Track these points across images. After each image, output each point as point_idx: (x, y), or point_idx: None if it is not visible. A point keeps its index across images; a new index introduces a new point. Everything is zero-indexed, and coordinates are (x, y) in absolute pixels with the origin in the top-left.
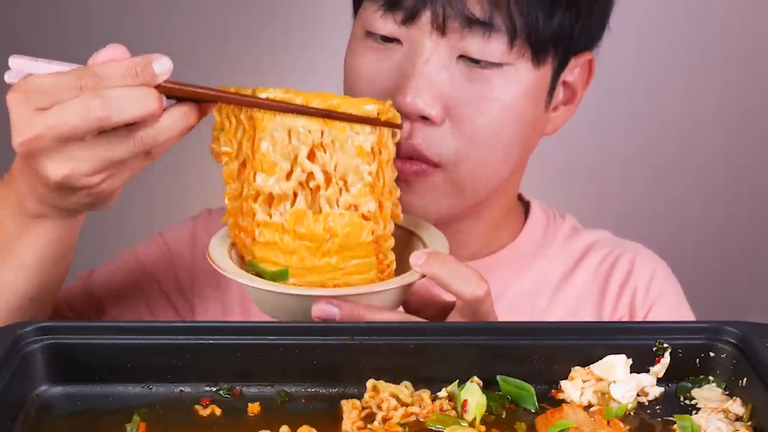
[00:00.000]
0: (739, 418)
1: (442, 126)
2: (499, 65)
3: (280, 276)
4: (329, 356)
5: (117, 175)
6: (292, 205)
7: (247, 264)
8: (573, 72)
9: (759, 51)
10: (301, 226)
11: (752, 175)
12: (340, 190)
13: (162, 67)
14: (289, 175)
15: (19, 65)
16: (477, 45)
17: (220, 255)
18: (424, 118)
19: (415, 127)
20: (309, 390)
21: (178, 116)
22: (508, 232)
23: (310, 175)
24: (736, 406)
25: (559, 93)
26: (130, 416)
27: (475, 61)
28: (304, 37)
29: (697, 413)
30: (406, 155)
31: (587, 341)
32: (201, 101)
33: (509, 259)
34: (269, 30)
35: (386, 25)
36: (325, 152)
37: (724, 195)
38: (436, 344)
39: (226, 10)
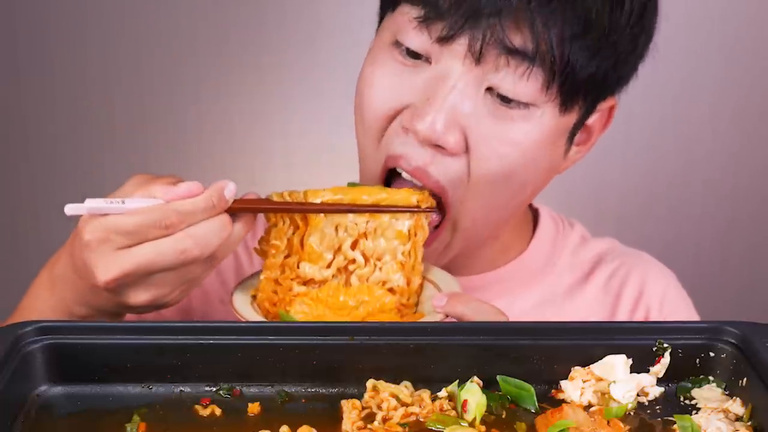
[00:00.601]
0: (739, 418)
1: (456, 157)
2: (526, 105)
3: None
4: (329, 356)
5: (189, 288)
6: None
7: (279, 314)
8: (593, 117)
9: (758, 52)
10: (334, 299)
11: (752, 176)
12: (374, 269)
13: (231, 192)
14: (330, 264)
15: (95, 209)
16: (510, 82)
17: (244, 305)
18: (439, 146)
19: (428, 153)
20: (309, 390)
21: (242, 229)
22: (517, 244)
23: (350, 260)
24: (736, 406)
25: (577, 137)
26: (130, 416)
27: (504, 98)
28: (303, 36)
29: (697, 413)
30: (415, 175)
31: (587, 341)
32: (262, 212)
33: (517, 273)
34: (268, 29)
35: (419, 38)
36: (367, 239)
37: (724, 196)
38: (436, 344)
39: (225, 9)
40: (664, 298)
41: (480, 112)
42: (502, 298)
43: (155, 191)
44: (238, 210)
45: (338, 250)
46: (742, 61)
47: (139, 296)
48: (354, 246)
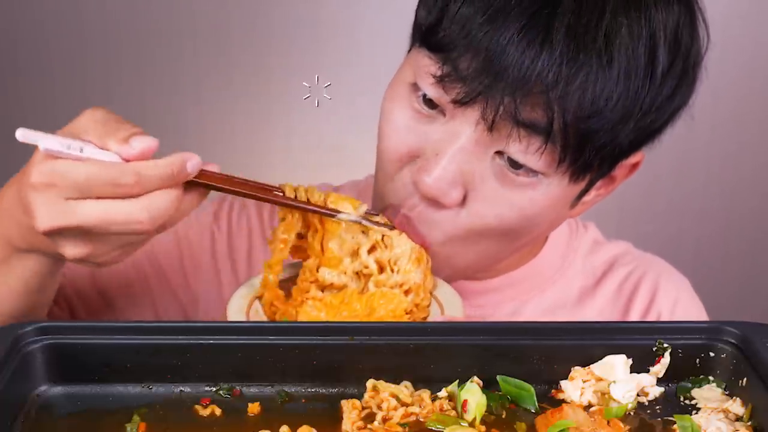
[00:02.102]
0: (739, 418)
1: (448, 210)
2: (535, 173)
3: None
4: (329, 356)
5: (127, 253)
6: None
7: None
8: (616, 169)
9: (757, 49)
10: (347, 305)
11: (752, 174)
12: (392, 273)
13: (193, 167)
14: (345, 269)
15: (49, 148)
16: (521, 154)
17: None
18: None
19: (421, 204)
20: (309, 390)
21: (192, 202)
22: (530, 248)
23: (366, 265)
24: (736, 406)
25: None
26: (130, 416)
27: (514, 163)
28: (305, 37)
29: (697, 413)
30: (399, 226)
31: (587, 341)
32: (219, 190)
33: (529, 277)
34: (269, 30)
35: (435, 91)
36: (385, 248)
37: (724, 193)
38: (436, 344)
39: (227, 10)
40: (675, 305)
41: (486, 172)
42: (514, 301)
43: (112, 144)
44: (197, 184)
45: (356, 254)
46: (741, 58)
47: (74, 249)
48: (371, 251)
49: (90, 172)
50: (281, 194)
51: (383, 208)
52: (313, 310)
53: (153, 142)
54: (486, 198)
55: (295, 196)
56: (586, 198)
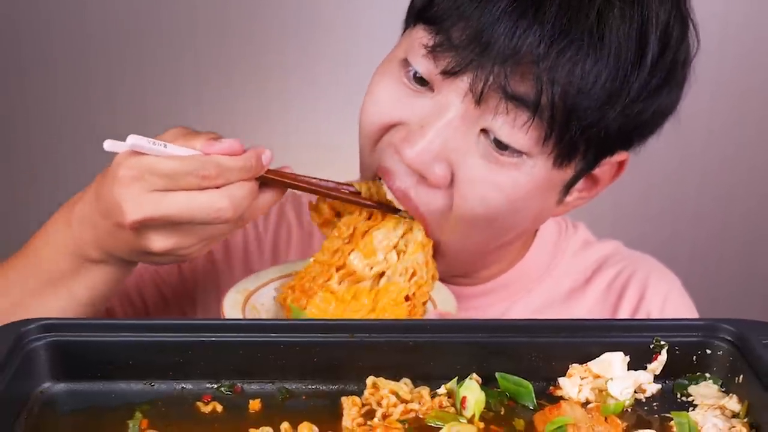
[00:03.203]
0: (735, 415)
1: (439, 190)
2: (519, 154)
3: None
4: (330, 354)
5: (209, 245)
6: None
7: (289, 309)
8: (601, 168)
9: (755, 52)
10: (356, 300)
11: (747, 174)
12: (399, 260)
13: (267, 159)
14: (374, 264)
15: (137, 147)
16: (507, 129)
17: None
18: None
19: (413, 179)
20: (309, 387)
21: (270, 198)
22: (517, 249)
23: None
24: (733, 403)
25: (579, 184)
26: (132, 413)
27: (498, 143)
28: (304, 36)
29: (693, 410)
30: (397, 195)
31: (585, 339)
32: (290, 187)
33: (517, 278)
34: (269, 29)
35: (425, 65)
36: (405, 252)
37: (719, 195)
38: (435, 342)
39: (227, 9)
40: (665, 304)
41: (471, 150)
42: (503, 302)
43: (196, 144)
44: (269, 180)
45: (388, 253)
46: (737, 60)
47: (160, 242)
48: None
49: (175, 165)
50: (351, 190)
51: (377, 172)
52: (322, 302)
53: (237, 143)
54: (471, 178)
55: (369, 195)
56: (569, 198)
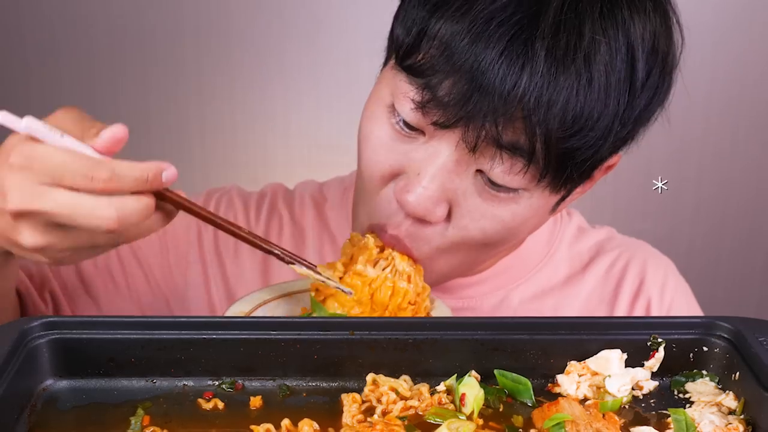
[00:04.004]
0: (731, 412)
1: (435, 225)
2: (515, 190)
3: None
4: (330, 351)
5: (81, 256)
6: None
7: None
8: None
9: (750, 50)
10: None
11: (744, 172)
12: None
13: (169, 176)
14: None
15: (32, 129)
16: (503, 175)
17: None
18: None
19: (406, 222)
20: (310, 384)
21: (159, 220)
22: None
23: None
24: (729, 400)
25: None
26: (134, 410)
27: (495, 184)
28: (305, 35)
29: (690, 407)
30: (388, 244)
31: (583, 336)
32: (189, 212)
33: (513, 267)
34: (270, 28)
35: (415, 116)
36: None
37: (716, 193)
38: (434, 339)
39: (229, 8)
40: (664, 287)
41: (468, 190)
42: (500, 290)
43: (92, 135)
44: (168, 200)
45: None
46: (733, 60)
47: (32, 238)
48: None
49: (66, 160)
50: (244, 231)
51: (369, 227)
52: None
53: (121, 130)
54: (469, 213)
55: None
56: (563, 204)
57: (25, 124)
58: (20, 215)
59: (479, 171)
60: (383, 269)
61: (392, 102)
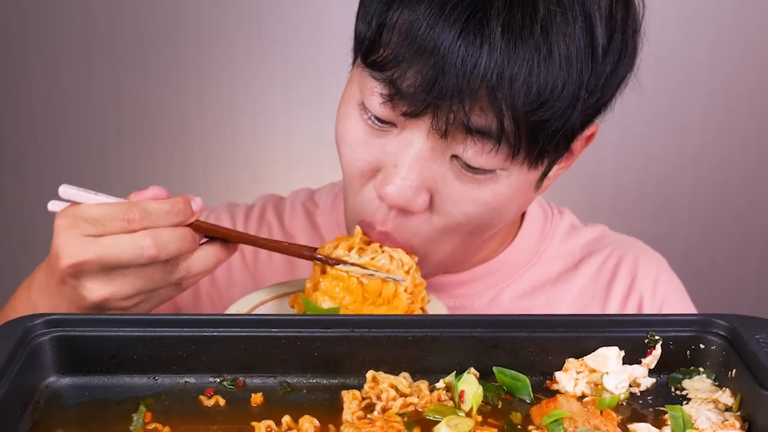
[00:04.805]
0: (728, 408)
1: (419, 215)
2: (492, 171)
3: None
4: (330, 348)
5: (149, 301)
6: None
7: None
8: (574, 144)
9: (747, 53)
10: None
11: (739, 172)
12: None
13: (197, 205)
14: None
15: (68, 194)
16: (475, 155)
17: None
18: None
19: (391, 215)
20: (310, 381)
21: (211, 253)
22: (504, 236)
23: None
24: (726, 397)
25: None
26: (136, 406)
27: (470, 167)
28: (305, 36)
29: (687, 403)
30: (378, 240)
31: (581, 334)
32: (227, 240)
33: (505, 264)
34: (271, 29)
35: (384, 110)
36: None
37: (712, 194)
38: (433, 336)
39: (229, 10)
40: (656, 283)
41: (446, 175)
42: (492, 289)
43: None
44: (201, 230)
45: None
46: (730, 64)
47: (96, 290)
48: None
49: (102, 210)
50: (284, 243)
51: (359, 226)
52: (329, 282)
53: (161, 190)
54: (450, 198)
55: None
56: (549, 175)
57: (62, 191)
58: (75, 269)
59: (454, 156)
60: (372, 259)
61: (362, 99)
